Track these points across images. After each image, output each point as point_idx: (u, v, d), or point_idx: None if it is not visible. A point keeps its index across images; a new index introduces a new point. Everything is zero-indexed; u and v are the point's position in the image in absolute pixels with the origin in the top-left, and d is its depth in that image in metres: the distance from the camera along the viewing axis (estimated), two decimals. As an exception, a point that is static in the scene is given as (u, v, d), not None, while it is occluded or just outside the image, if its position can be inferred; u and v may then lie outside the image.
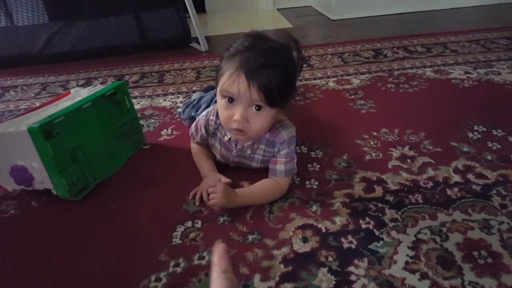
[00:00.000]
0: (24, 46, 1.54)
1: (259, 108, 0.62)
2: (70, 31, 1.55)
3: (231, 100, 0.62)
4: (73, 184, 0.71)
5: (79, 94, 0.86)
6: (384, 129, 0.90)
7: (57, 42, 1.54)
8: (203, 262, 0.58)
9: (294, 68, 0.65)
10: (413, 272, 0.53)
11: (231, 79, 0.60)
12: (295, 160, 0.71)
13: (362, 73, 1.24)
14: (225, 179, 0.70)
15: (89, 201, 0.72)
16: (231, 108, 0.63)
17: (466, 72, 1.19)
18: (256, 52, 0.60)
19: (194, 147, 0.80)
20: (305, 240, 0.60)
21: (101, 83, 1.30)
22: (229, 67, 0.61)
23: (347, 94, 1.10)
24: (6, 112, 1.15)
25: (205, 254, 0.59)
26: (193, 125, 0.77)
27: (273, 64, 0.60)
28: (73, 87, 1.28)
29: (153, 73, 1.37)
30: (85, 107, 0.75)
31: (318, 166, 0.78)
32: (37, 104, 1.07)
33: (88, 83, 1.32)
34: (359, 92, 1.10)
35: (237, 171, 0.75)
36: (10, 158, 0.71)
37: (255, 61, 0.59)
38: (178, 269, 0.57)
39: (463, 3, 1.98)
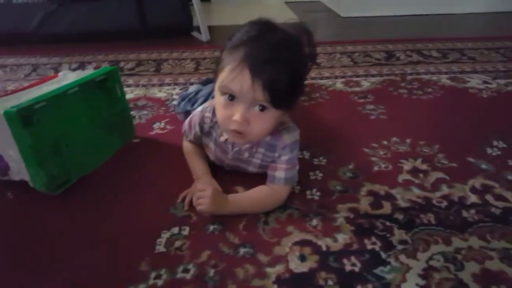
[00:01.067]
0: (18, 24, 1.47)
1: (262, 108, 0.55)
2: (68, 12, 1.48)
3: (231, 97, 0.55)
4: (53, 177, 0.65)
5: (67, 78, 0.79)
6: (395, 138, 0.83)
7: (53, 22, 1.48)
8: (187, 276, 0.51)
9: (304, 65, 0.59)
10: (423, 305, 0.47)
11: (232, 74, 0.53)
12: (297, 167, 0.64)
13: (373, 76, 1.17)
14: (218, 188, 0.63)
15: (69, 197, 0.66)
16: (230, 107, 0.55)
17: (484, 82, 1.11)
18: (263, 44, 0.53)
19: (186, 145, 0.73)
20: (302, 258, 0.54)
21: (94, 68, 1.23)
22: (231, 60, 0.54)
23: (356, 97, 1.03)
24: (-9, 92, 1.09)
25: (190, 266, 0.53)
26: (186, 121, 0.70)
27: (282, 59, 0.52)
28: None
29: (150, 61, 1.30)
30: (71, 92, 0.68)
31: (321, 174, 0.72)
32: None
33: (81, 67, 1.25)
34: (368, 96, 1.03)
35: (231, 175, 0.69)
36: (-15, 143, 0.65)
37: (261, 55, 0.51)
38: (159, 282, 0.51)
39: (481, 8, 1.90)
